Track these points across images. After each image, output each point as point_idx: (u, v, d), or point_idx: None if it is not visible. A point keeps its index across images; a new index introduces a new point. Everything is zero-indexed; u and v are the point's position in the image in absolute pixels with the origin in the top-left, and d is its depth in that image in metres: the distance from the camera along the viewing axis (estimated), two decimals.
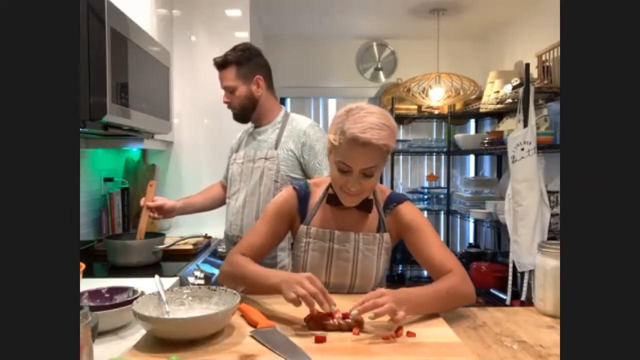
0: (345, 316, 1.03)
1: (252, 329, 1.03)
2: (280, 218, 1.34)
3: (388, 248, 1.33)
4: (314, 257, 1.31)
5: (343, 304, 1.12)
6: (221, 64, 1.81)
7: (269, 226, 1.33)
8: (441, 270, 1.22)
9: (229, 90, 1.82)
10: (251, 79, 1.81)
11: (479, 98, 3.62)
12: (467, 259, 3.82)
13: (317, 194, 1.35)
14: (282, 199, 1.36)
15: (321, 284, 1.06)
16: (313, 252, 1.31)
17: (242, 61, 1.80)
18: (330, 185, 1.32)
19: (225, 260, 1.31)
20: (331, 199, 1.31)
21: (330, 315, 1.04)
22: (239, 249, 1.30)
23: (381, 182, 4.19)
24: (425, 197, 4.34)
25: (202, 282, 1.79)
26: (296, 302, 1.03)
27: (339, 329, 1.02)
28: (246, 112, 1.85)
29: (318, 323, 1.03)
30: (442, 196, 4.30)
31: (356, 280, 1.31)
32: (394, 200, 1.33)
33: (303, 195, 1.34)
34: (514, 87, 2.94)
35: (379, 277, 1.34)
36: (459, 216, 4.17)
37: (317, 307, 1.03)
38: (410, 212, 1.32)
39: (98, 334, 0.96)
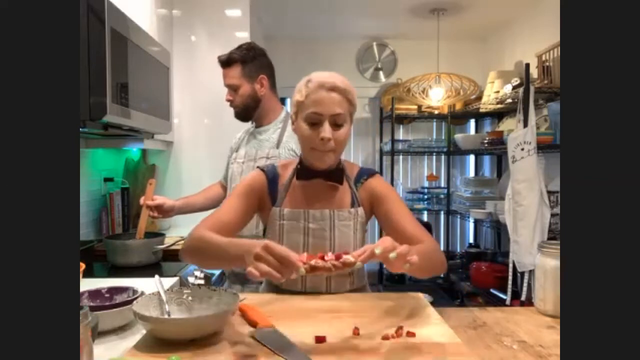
0: (338, 258, 0.96)
1: (252, 329, 1.03)
2: (249, 195, 1.29)
3: (363, 223, 1.31)
4: (290, 239, 1.27)
5: (339, 304, 1.12)
6: (226, 62, 1.82)
7: (237, 201, 1.27)
8: (414, 241, 1.16)
9: (233, 89, 1.82)
10: (255, 78, 1.81)
11: (479, 98, 3.62)
12: (467, 259, 3.82)
13: (285, 176, 1.32)
14: (250, 178, 1.33)
15: (281, 248, 0.94)
16: (289, 234, 1.27)
17: (247, 60, 1.80)
18: (299, 163, 1.29)
19: (189, 234, 1.21)
20: (301, 173, 1.28)
21: (322, 258, 0.96)
22: (205, 224, 1.22)
23: None
24: (425, 197, 4.33)
25: (202, 282, 1.79)
26: (255, 277, 0.94)
27: (330, 270, 0.95)
28: (248, 111, 1.85)
29: (311, 267, 0.95)
30: (442, 196, 4.29)
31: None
32: (364, 173, 1.33)
33: (272, 177, 1.31)
34: (514, 87, 2.94)
35: None
36: (459, 216, 4.17)
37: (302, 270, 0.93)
38: (382, 184, 1.32)
39: (98, 334, 0.96)
